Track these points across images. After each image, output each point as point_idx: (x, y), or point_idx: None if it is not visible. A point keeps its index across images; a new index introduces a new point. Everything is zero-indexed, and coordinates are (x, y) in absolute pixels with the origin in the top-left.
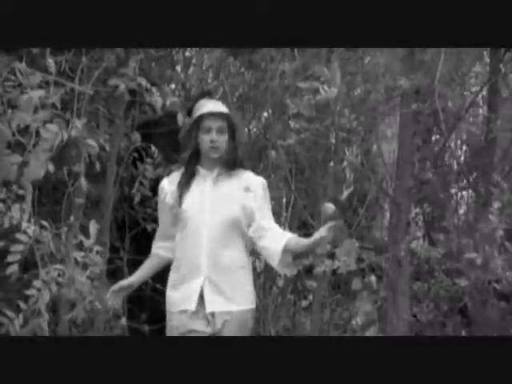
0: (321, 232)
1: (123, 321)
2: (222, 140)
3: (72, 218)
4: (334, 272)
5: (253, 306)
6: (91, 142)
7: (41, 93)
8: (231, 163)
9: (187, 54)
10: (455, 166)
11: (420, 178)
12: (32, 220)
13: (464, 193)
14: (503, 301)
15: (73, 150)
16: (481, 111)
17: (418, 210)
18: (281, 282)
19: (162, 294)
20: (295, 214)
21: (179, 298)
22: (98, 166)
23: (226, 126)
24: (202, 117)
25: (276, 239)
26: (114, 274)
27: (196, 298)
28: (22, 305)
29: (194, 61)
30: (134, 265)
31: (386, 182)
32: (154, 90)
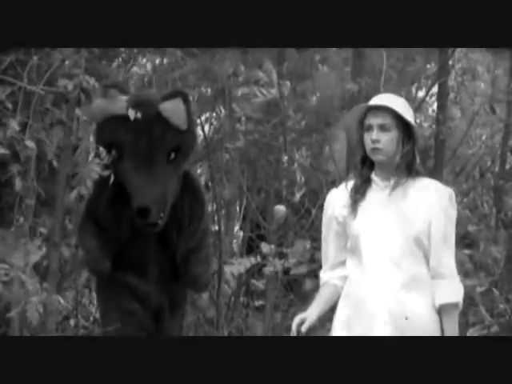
0: None
1: (72, 322)
2: (386, 140)
3: (22, 219)
4: (285, 273)
5: None
6: (29, 143)
7: None
8: (407, 169)
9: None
10: None
11: None
12: None
13: None
14: None
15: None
16: (430, 111)
17: None
18: (233, 283)
19: None
20: (248, 215)
21: None
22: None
23: (394, 123)
24: (364, 113)
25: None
26: (65, 274)
27: None
28: None
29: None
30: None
31: (338, 182)
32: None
